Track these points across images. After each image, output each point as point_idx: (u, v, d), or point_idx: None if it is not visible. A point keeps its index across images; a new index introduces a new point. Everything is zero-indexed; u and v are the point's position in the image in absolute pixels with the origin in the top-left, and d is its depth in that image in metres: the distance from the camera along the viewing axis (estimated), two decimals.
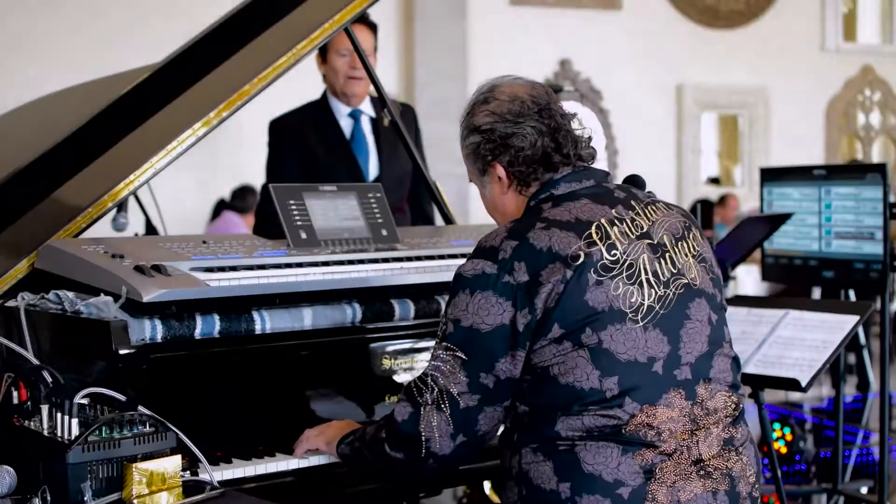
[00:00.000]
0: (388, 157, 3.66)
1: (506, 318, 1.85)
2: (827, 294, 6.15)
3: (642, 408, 1.82)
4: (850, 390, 6.89)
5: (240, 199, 7.42)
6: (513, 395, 1.91)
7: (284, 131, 3.71)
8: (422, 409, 1.91)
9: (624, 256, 1.87)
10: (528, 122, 1.98)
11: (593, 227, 1.89)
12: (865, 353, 6.62)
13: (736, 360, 2.00)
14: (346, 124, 3.71)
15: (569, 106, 2.09)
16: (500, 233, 1.92)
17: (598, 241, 1.86)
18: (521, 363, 1.87)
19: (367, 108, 3.69)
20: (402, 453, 1.95)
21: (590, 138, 2.06)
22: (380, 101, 3.18)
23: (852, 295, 4.74)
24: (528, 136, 1.97)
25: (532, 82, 2.06)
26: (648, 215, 1.97)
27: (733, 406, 1.94)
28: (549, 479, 1.83)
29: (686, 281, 1.93)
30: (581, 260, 1.83)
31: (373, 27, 3.68)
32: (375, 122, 3.66)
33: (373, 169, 3.70)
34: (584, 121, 2.11)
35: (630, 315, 1.84)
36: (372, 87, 3.35)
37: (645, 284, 1.87)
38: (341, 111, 3.71)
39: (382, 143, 3.67)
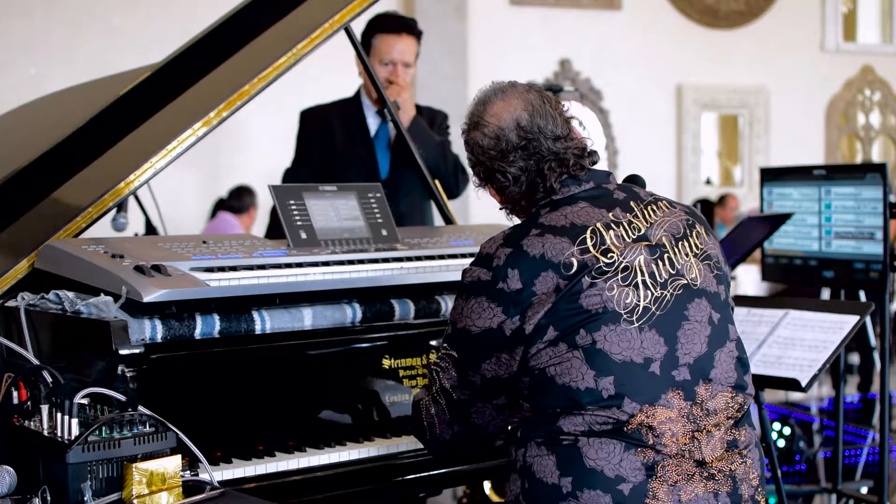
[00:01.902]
0: (411, 160, 3.67)
1: (494, 322, 1.88)
2: (835, 295, 6.14)
3: (642, 408, 1.82)
4: (850, 390, 6.88)
5: (236, 199, 7.39)
6: (503, 393, 1.96)
7: (311, 121, 3.80)
8: (426, 398, 2.06)
9: (620, 260, 1.88)
10: (511, 158, 1.97)
11: (588, 232, 1.89)
12: (876, 355, 6.59)
13: (742, 361, 1.98)
14: (373, 122, 3.75)
15: (571, 109, 2.08)
16: (497, 239, 1.95)
17: (591, 248, 1.87)
18: (508, 366, 1.90)
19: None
20: (416, 433, 2.13)
21: (584, 148, 2.02)
22: (381, 102, 3.19)
23: (862, 296, 4.74)
24: (511, 174, 1.98)
25: (525, 97, 2.00)
26: (648, 216, 1.97)
27: (736, 407, 1.93)
28: (551, 472, 1.84)
29: (685, 281, 1.92)
30: (574, 268, 1.84)
31: (418, 36, 3.72)
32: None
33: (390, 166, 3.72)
34: (584, 121, 2.10)
35: (625, 316, 1.84)
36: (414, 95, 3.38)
37: (641, 286, 1.87)
38: (371, 108, 3.75)
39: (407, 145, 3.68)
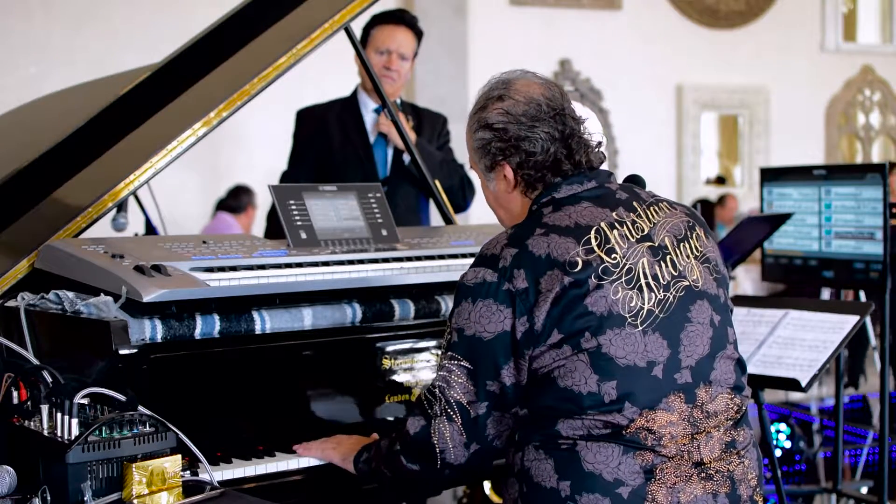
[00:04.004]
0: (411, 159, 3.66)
1: (507, 325, 1.85)
2: (835, 295, 6.13)
3: (642, 412, 1.82)
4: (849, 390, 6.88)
5: (233, 199, 7.38)
6: (521, 400, 1.91)
7: (307, 120, 3.78)
8: (433, 420, 1.92)
9: (623, 261, 1.87)
10: (542, 126, 1.95)
11: (592, 232, 1.88)
12: (876, 355, 6.58)
13: (740, 362, 1.98)
14: (369, 119, 3.73)
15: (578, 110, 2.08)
16: (501, 240, 1.92)
17: (596, 248, 1.86)
18: (524, 370, 1.87)
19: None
20: (417, 465, 1.97)
21: (599, 143, 2.03)
22: (379, 99, 3.18)
23: (862, 296, 4.73)
24: (541, 142, 1.95)
25: (547, 82, 2.02)
26: (650, 216, 1.97)
27: (735, 409, 1.93)
28: (549, 476, 1.83)
29: (687, 283, 1.92)
30: (579, 267, 1.83)
31: (418, 33, 3.71)
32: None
33: (388, 166, 3.71)
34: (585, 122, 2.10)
35: (629, 319, 1.83)
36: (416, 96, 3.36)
37: (645, 288, 1.86)
38: (368, 105, 3.74)
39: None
